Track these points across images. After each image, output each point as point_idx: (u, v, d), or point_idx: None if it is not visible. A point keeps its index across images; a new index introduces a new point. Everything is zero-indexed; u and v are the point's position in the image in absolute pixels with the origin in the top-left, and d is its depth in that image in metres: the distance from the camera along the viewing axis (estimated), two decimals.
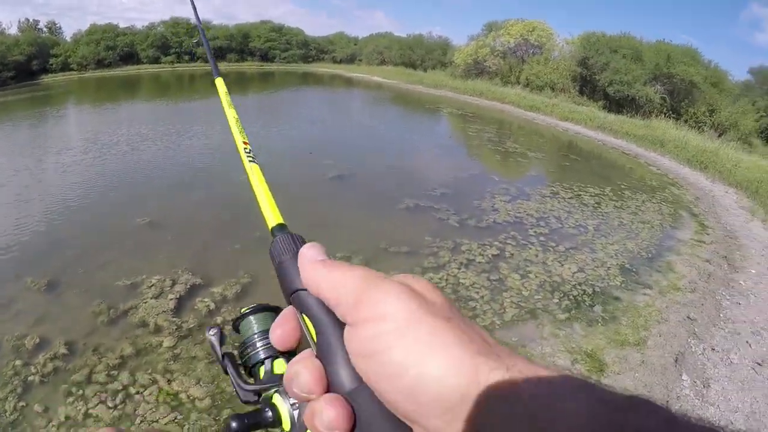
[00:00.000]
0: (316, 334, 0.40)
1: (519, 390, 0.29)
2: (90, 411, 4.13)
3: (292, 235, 0.47)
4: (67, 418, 4.07)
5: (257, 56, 62.27)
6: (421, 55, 48.32)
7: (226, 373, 0.60)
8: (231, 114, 0.73)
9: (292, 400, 0.51)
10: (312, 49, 64.81)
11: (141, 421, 4.03)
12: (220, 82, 0.89)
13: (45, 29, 58.69)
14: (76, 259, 6.89)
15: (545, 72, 29.44)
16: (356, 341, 0.36)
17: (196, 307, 5.65)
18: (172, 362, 4.70)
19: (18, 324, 5.39)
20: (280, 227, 0.49)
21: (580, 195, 10.56)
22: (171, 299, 5.74)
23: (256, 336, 0.59)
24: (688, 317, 5.81)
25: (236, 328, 0.62)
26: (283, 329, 0.45)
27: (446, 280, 6.43)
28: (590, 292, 6.34)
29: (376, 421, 0.34)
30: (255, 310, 0.61)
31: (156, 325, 5.30)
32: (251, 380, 0.58)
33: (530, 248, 7.54)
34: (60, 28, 60.97)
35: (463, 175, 11.86)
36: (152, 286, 6.04)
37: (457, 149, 16.44)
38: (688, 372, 4.78)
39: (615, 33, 28.53)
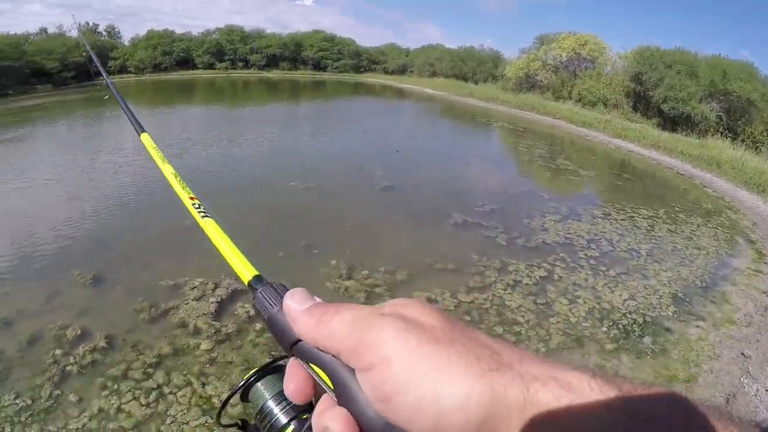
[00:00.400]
0: (331, 380, 0.38)
1: (536, 398, 0.30)
2: (122, 406, 4.21)
3: (272, 285, 0.46)
4: (100, 410, 4.15)
5: (310, 65, 63.21)
6: (472, 67, 47.89)
7: None
8: (167, 170, 0.70)
9: None
10: (363, 60, 65.34)
11: (172, 422, 4.06)
12: (146, 138, 0.84)
13: (104, 33, 61.51)
14: (122, 257, 7.09)
15: (598, 87, 28.68)
16: (369, 388, 0.35)
17: (236, 312, 5.69)
18: (208, 365, 4.72)
19: (62, 315, 5.58)
20: (257, 279, 0.48)
21: (632, 217, 10.14)
22: (212, 302, 5.80)
23: (270, 401, 0.57)
24: (742, 354, 5.45)
25: (245, 398, 0.59)
26: (296, 383, 0.43)
27: (491, 301, 6.24)
28: (640, 322, 6.01)
29: None
30: (259, 376, 0.59)
31: (195, 327, 5.35)
32: None
33: (580, 272, 7.25)
34: (118, 32, 63.55)
35: (513, 192, 11.62)
36: (195, 288, 6.13)
37: (508, 165, 16.10)
38: (740, 415, 4.45)
39: (669, 47, 27.58)
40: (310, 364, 0.40)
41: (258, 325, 5.38)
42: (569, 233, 8.77)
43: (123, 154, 13.46)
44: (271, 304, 0.44)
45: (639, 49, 28.28)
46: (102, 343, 5.01)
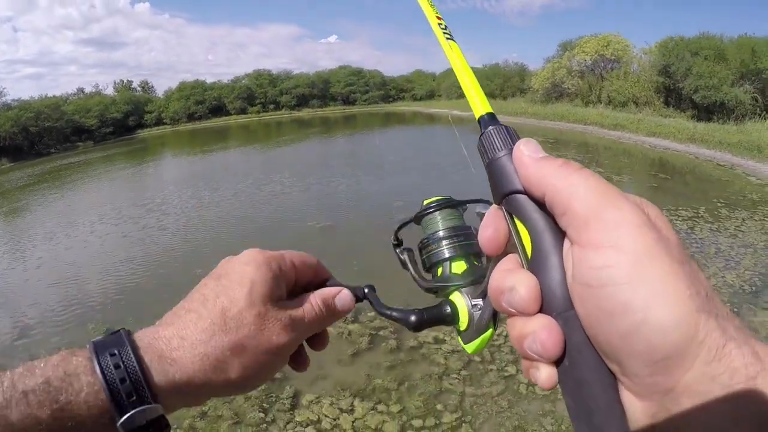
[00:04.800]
0: (532, 244, 0.35)
1: (726, 357, 0.28)
2: None
3: (506, 127, 0.40)
4: None
5: (339, 101, 64.52)
6: (499, 84, 47.44)
7: (405, 266, 0.63)
8: None
9: (474, 301, 0.54)
10: (391, 89, 66.23)
11: None
12: None
13: (139, 88, 64.93)
14: (135, 308, 7.03)
15: (626, 86, 27.79)
16: (580, 266, 0.31)
17: None
18: (198, 419, 4.46)
19: None
20: (490, 117, 0.41)
21: (671, 220, 9.15)
22: None
23: (441, 232, 0.60)
24: None
25: (418, 221, 0.64)
26: (493, 231, 0.38)
27: (505, 336, 5.70)
28: None
29: (584, 353, 0.32)
30: (441, 206, 0.62)
31: None
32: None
33: None
34: (152, 86, 67.28)
35: None
36: None
37: None
38: None
39: (693, 35, 26.49)
40: (516, 220, 0.36)
41: None
42: None
43: (151, 210, 13.62)
44: (499, 146, 0.38)
45: (663, 42, 27.38)
46: None
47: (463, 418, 4.24)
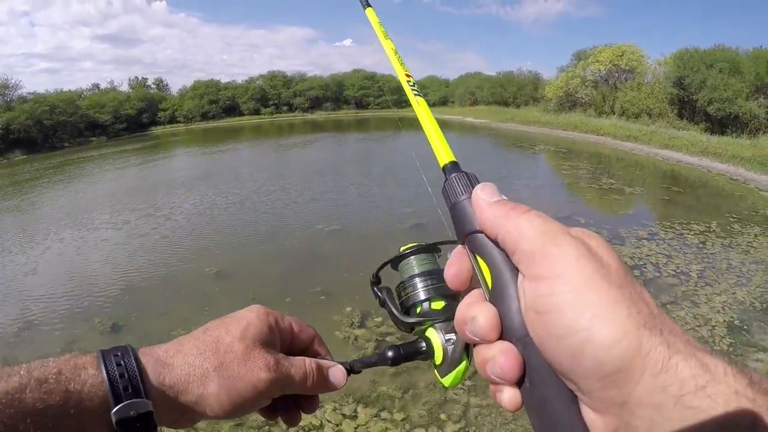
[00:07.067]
0: (492, 278, 0.40)
1: (673, 369, 0.31)
2: None
3: (467, 174, 0.45)
4: None
5: (352, 104, 64.47)
6: (512, 92, 47.47)
7: (383, 305, 0.67)
8: (388, 46, 0.70)
9: (446, 336, 0.59)
10: (405, 94, 66.03)
11: None
12: (371, 13, 0.81)
13: (153, 86, 65.30)
14: (142, 305, 7.07)
15: (640, 98, 27.70)
16: (530, 296, 0.36)
17: None
18: (201, 421, 4.45)
19: None
20: (453, 165, 0.46)
21: (682, 234, 9.27)
22: None
23: (417, 277, 0.64)
24: None
25: (395, 267, 0.68)
26: (457, 269, 0.44)
27: None
28: None
29: (543, 374, 0.36)
30: (416, 251, 0.67)
31: None
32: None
33: None
34: (167, 84, 67.45)
35: None
36: None
37: (546, 190, 14.99)
38: None
39: (708, 47, 26.34)
40: (477, 257, 0.41)
41: None
42: None
43: (150, 215, 13.62)
44: (460, 192, 0.43)
45: (678, 53, 27.16)
46: None
47: (466, 429, 4.22)
